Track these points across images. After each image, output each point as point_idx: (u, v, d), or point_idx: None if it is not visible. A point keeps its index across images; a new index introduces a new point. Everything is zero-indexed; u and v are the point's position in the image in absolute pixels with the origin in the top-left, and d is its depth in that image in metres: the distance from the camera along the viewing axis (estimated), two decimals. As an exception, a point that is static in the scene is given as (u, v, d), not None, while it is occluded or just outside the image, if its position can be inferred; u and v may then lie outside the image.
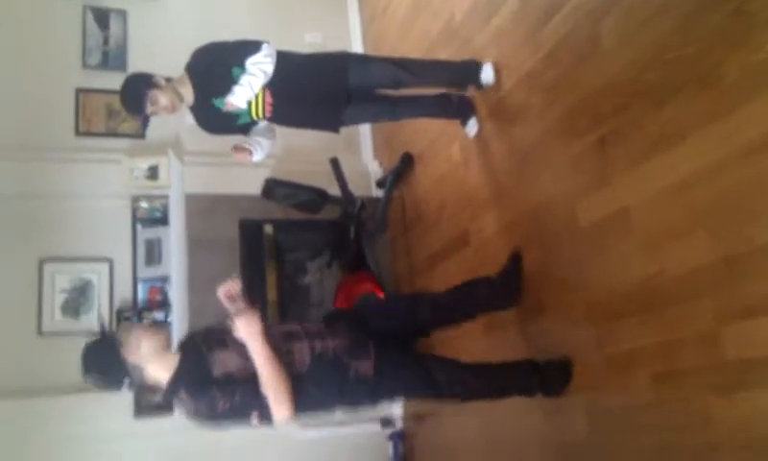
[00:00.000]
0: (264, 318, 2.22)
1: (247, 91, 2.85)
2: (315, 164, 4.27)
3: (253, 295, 2.62)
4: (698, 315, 2.04)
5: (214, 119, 3.02)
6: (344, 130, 3.24)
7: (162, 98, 2.85)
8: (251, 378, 2.13)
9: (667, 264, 2.16)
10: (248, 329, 2.13)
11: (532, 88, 2.94)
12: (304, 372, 2.24)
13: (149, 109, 2.86)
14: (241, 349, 2.15)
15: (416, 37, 4.16)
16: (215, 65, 2.91)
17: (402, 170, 4.20)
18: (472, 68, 3.28)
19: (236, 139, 3.10)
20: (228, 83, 2.85)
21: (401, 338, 2.59)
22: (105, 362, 2.14)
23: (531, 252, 2.92)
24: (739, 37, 1.90)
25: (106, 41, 4.57)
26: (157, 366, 2.16)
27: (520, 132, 3.02)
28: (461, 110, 3.39)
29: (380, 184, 4.46)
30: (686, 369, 2.10)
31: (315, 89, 3.05)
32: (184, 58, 2.99)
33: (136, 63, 4.27)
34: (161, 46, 4.35)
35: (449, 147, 3.69)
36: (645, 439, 2.29)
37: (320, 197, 4.00)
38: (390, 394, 2.62)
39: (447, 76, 3.35)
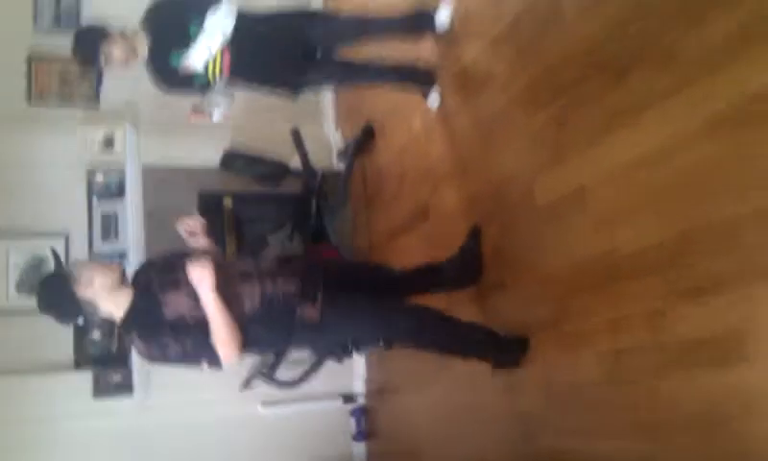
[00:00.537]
0: (221, 256, 2.28)
1: (205, 53, 2.78)
2: (276, 135, 4.18)
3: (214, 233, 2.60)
4: (648, 293, 2.03)
5: (169, 76, 2.93)
6: (306, 99, 3.17)
7: (116, 50, 2.79)
8: (202, 323, 2.15)
9: (621, 242, 2.15)
10: (200, 279, 2.12)
11: (494, 59, 2.87)
12: (255, 313, 2.26)
13: (102, 61, 2.79)
14: (193, 290, 2.15)
15: (378, 4, 4.02)
16: (172, 20, 2.83)
17: (363, 141, 4.13)
18: (428, 13, 3.17)
19: (193, 100, 3.02)
20: (184, 39, 2.77)
21: (356, 285, 2.57)
22: (58, 296, 2.17)
23: (490, 228, 2.89)
24: (697, 14, 1.85)
25: (57, 1, 4.38)
26: (111, 302, 2.18)
27: (482, 104, 2.97)
28: (423, 81, 3.31)
29: (342, 155, 4.40)
30: (636, 347, 2.10)
31: (275, 47, 2.99)
32: (141, 14, 2.91)
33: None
34: (116, 3, 4.18)
35: (411, 118, 3.62)
36: (596, 415, 2.30)
37: (280, 169, 3.93)
38: (337, 339, 2.59)
39: (403, 22, 3.21)
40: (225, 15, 2.78)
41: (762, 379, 1.71)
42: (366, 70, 3.30)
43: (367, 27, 3.21)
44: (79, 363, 3.94)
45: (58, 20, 4.32)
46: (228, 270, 2.27)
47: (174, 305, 2.17)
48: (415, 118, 3.58)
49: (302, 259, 2.56)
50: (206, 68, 2.87)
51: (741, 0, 1.74)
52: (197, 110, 3.00)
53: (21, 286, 3.96)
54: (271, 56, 3.00)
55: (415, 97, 3.43)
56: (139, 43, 2.86)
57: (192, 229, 2.41)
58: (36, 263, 3.99)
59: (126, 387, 3.92)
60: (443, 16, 3.13)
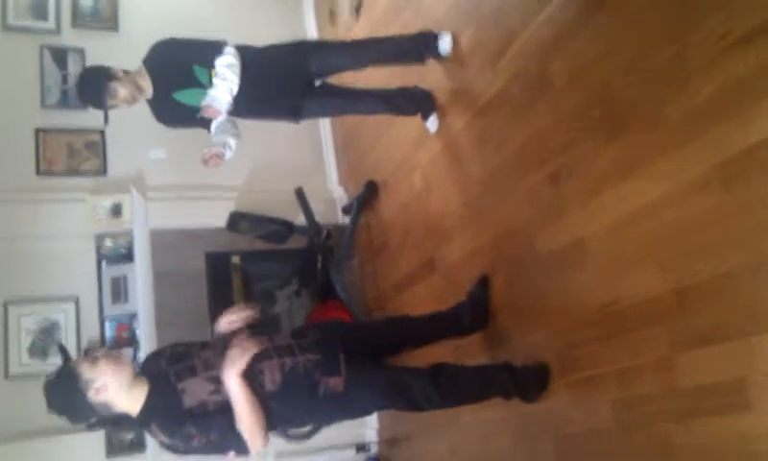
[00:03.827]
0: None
1: (227, 95, 2.87)
2: (280, 194, 4.29)
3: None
4: (653, 343, 2.11)
5: (173, 112, 3.01)
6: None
7: (122, 90, 2.84)
8: (224, 408, 2.12)
9: (622, 293, 2.23)
10: (232, 361, 2.11)
11: (488, 122, 3.00)
12: (275, 390, 2.24)
13: (109, 102, 2.83)
14: (209, 374, 2.15)
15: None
16: (175, 60, 2.92)
17: (367, 197, 4.23)
18: (430, 38, 3.25)
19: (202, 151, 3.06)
20: (189, 78, 2.86)
21: (371, 352, 2.57)
22: (71, 402, 2.09)
23: (496, 279, 2.98)
24: (679, 81, 1.97)
25: (64, 80, 4.50)
26: (126, 401, 2.13)
27: (479, 163, 3.08)
28: (422, 104, 3.38)
29: (346, 211, 4.49)
30: (645, 396, 2.17)
31: (276, 79, 3.06)
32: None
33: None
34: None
35: (411, 175, 3.74)
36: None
37: (285, 228, 4.01)
38: (361, 408, 2.57)
39: (405, 46, 3.30)
40: (234, 57, 2.89)
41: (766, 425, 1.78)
42: (366, 99, 3.36)
43: (371, 53, 3.29)
44: (92, 424, 3.95)
45: (65, 99, 4.45)
46: None
47: (193, 392, 2.13)
48: (415, 174, 3.69)
49: (317, 329, 2.55)
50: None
51: (718, 66, 1.86)
52: (210, 156, 2.98)
53: (34, 351, 4.01)
54: (272, 88, 3.05)
55: (414, 154, 3.54)
56: (143, 80, 2.91)
57: (237, 318, 2.37)
58: (48, 327, 4.05)
59: (139, 445, 3.90)
60: (445, 41, 3.22)
